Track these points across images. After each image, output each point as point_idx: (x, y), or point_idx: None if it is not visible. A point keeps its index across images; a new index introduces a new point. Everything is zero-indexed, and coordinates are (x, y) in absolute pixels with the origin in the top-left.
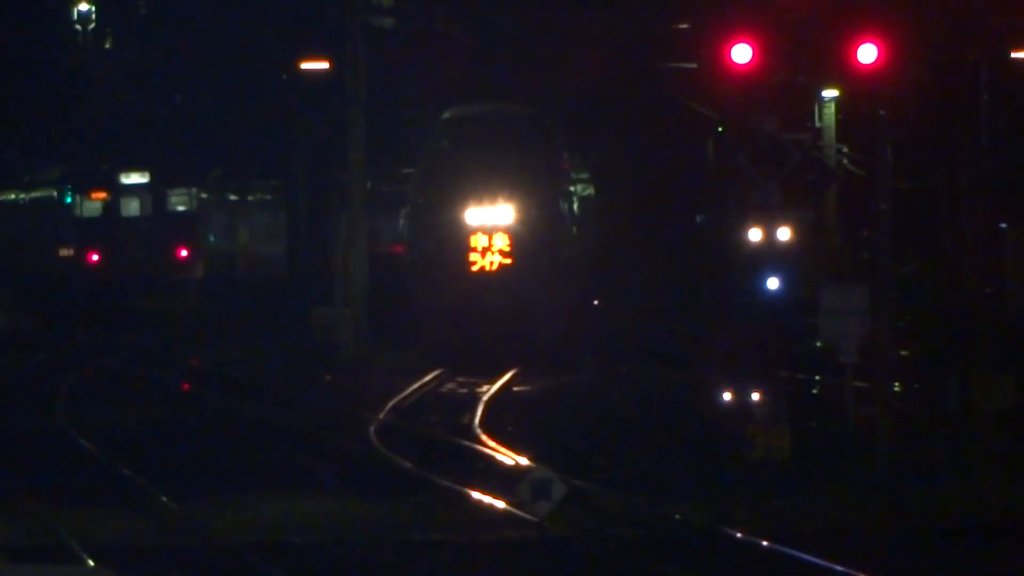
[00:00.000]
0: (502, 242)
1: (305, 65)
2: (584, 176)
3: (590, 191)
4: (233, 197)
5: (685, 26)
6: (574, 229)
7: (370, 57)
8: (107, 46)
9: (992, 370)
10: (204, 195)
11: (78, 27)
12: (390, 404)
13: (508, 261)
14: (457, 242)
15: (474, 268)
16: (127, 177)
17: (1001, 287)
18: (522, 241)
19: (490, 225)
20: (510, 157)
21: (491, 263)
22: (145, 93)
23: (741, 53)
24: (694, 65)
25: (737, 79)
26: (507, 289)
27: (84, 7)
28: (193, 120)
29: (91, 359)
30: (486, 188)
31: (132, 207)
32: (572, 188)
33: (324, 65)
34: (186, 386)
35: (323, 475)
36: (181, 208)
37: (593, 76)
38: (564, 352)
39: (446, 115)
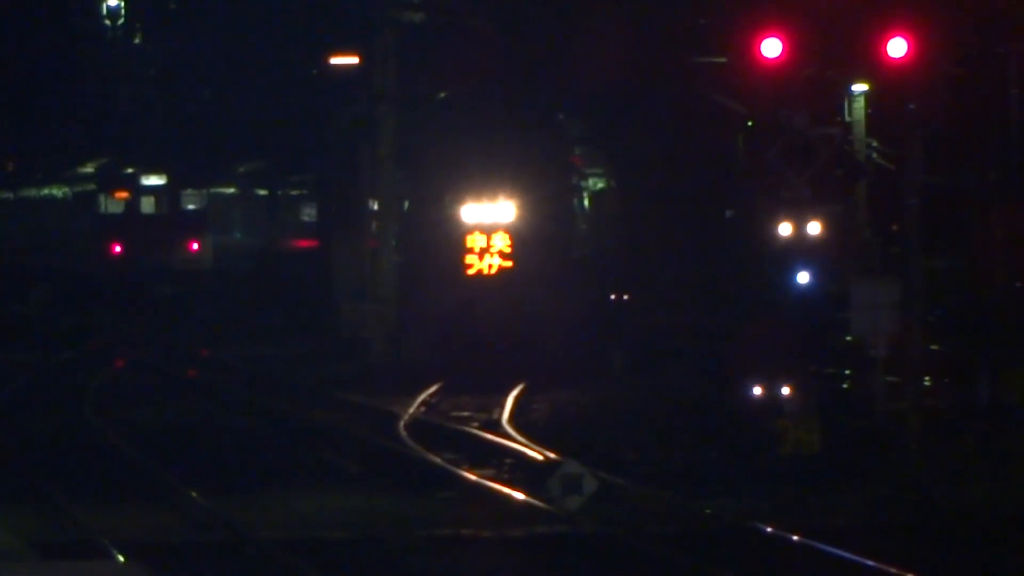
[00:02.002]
0: (502, 242)
1: (335, 60)
2: (600, 171)
3: (606, 185)
4: (262, 192)
5: (714, 20)
6: (584, 227)
7: (400, 52)
8: (136, 41)
9: (1021, 366)
10: (231, 189)
11: (107, 22)
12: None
13: (509, 264)
14: (452, 242)
15: (470, 271)
16: (146, 179)
17: None
18: (525, 241)
19: (489, 224)
20: (512, 148)
21: (490, 266)
22: (174, 88)
23: (771, 47)
24: (723, 59)
25: (767, 73)
26: (508, 295)
27: (113, 2)
28: (222, 115)
29: (121, 354)
30: (484, 182)
31: (150, 205)
32: (584, 184)
33: (354, 60)
34: (213, 381)
35: (352, 470)
36: (192, 207)
37: (621, 70)
38: (574, 366)
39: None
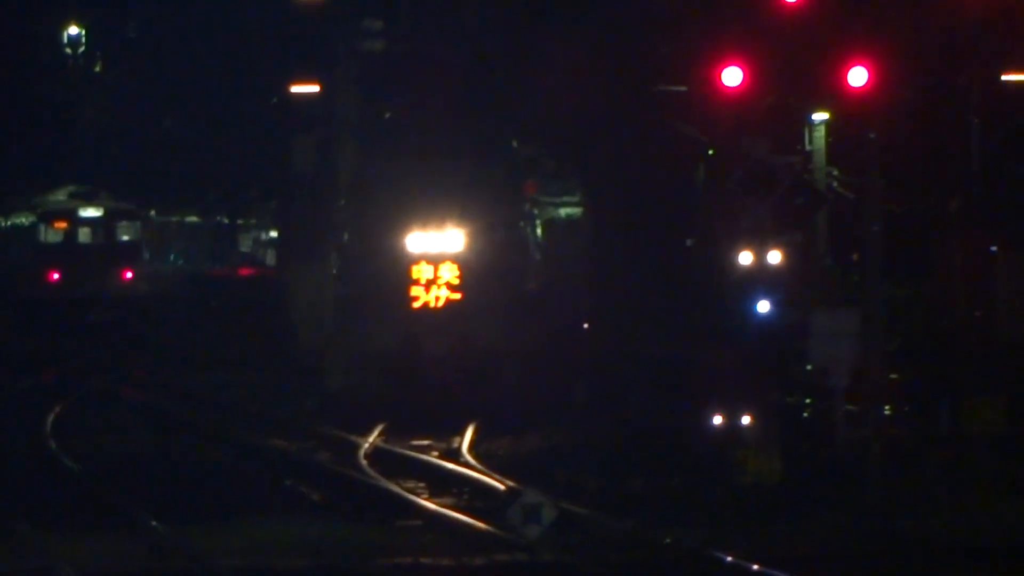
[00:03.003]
0: (450, 273)
1: (295, 88)
2: (565, 200)
3: (568, 214)
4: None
5: (676, 49)
6: (538, 257)
7: (361, 80)
8: (97, 70)
9: (982, 394)
10: (193, 218)
11: (68, 51)
12: None
13: (457, 296)
14: (396, 273)
15: (416, 304)
16: (84, 211)
17: (991, 311)
18: (475, 272)
19: (436, 253)
20: (461, 174)
21: (437, 298)
22: (135, 117)
23: (732, 76)
24: (685, 88)
25: (728, 102)
26: (457, 329)
27: (74, 31)
28: (181, 144)
29: (80, 383)
30: (432, 210)
31: (87, 235)
32: (537, 212)
33: (314, 88)
34: (176, 410)
35: (312, 498)
36: (127, 238)
37: (582, 99)
38: (530, 401)
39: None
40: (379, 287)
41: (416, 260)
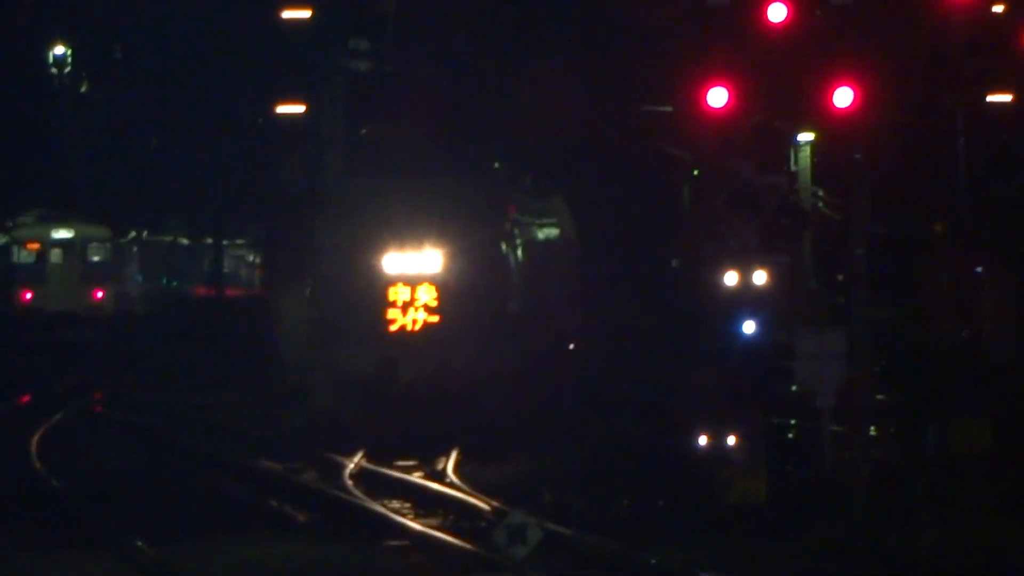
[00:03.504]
0: (428, 295)
1: (281, 108)
2: (546, 220)
3: (549, 234)
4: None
5: (662, 69)
6: (518, 280)
7: (347, 100)
8: (83, 90)
9: (969, 415)
10: (185, 240)
11: (54, 71)
12: None
13: (435, 319)
14: (372, 296)
15: (393, 328)
16: (56, 232)
17: (977, 332)
18: (453, 294)
19: (413, 275)
20: (440, 193)
21: (414, 321)
22: (121, 136)
23: (717, 97)
24: (670, 109)
25: (713, 122)
26: (435, 353)
27: (60, 50)
28: (168, 164)
29: (66, 403)
30: (409, 230)
31: (59, 256)
32: (518, 233)
33: (300, 108)
34: (159, 429)
35: (298, 518)
36: (97, 258)
37: (569, 119)
38: (512, 427)
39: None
40: (355, 309)
41: (393, 281)
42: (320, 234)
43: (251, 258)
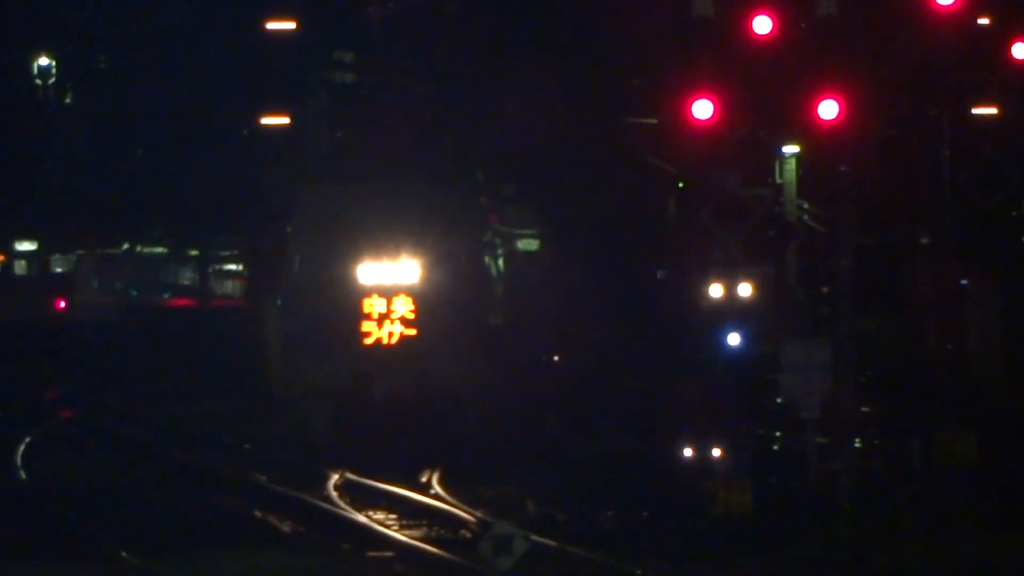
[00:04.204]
0: (404, 307)
1: (266, 120)
2: (529, 232)
3: (531, 245)
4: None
5: (647, 81)
6: (500, 291)
7: (332, 112)
8: (67, 101)
9: (953, 427)
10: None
11: (39, 81)
12: None
13: (412, 332)
14: (346, 307)
15: (368, 341)
16: (20, 244)
17: (962, 344)
18: (431, 306)
19: (389, 285)
20: (418, 200)
21: (390, 334)
22: (106, 148)
23: (702, 109)
24: (655, 121)
25: (698, 135)
26: (412, 368)
27: (44, 61)
28: (154, 175)
29: (50, 414)
30: (385, 238)
31: (22, 268)
32: (500, 243)
33: (285, 120)
34: (146, 440)
35: (282, 529)
36: (60, 270)
37: (554, 130)
38: (495, 446)
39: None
40: (328, 321)
41: (368, 292)
42: (293, 242)
43: (222, 269)
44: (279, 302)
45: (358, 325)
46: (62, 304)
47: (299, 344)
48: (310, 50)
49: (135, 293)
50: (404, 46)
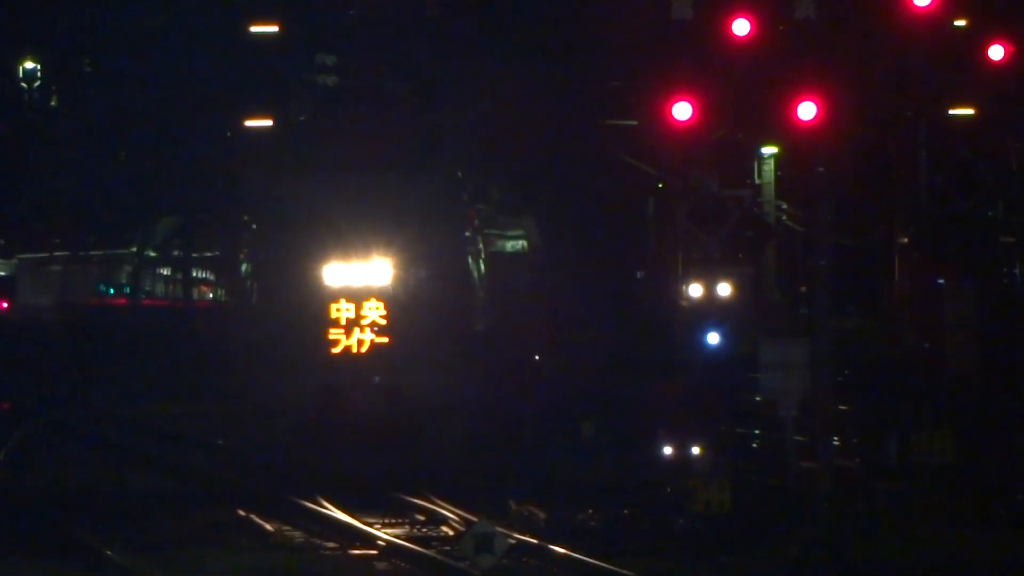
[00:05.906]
0: (376, 312)
1: (249, 123)
2: (517, 233)
3: (514, 247)
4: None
5: (626, 83)
6: (482, 295)
7: (314, 114)
8: (53, 104)
9: (931, 425)
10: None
11: (24, 85)
12: None
13: (384, 339)
14: (309, 313)
15: (335, 350)
16: None
17: (939, 343)
18: (406, 311)
19: (359, 288)
20: (389, 194)
21: (360, 342)
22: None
23: (681, 110)
24: (635, 122)
25: (677, 136)
26: (384, 379)
27: (30, 65)
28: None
29: (36, 413)
30: (355, 237)
31: None
32: (481, 243)
33: (268, 122)
34: (130, 440)
35: (267, 527)
36: (2, 273)
37: (534, 132)
38: (472, 468)
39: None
40: (288, 328)
41: (335, 296)
42: (263, 242)
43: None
44: (240, 304)
45: (324, 332)
46: (4, 305)
47: (261, 353)
48: (292, 52)
49: (110, 291)
50: (384, 46)
